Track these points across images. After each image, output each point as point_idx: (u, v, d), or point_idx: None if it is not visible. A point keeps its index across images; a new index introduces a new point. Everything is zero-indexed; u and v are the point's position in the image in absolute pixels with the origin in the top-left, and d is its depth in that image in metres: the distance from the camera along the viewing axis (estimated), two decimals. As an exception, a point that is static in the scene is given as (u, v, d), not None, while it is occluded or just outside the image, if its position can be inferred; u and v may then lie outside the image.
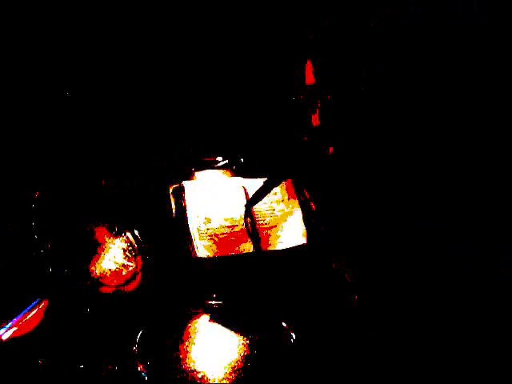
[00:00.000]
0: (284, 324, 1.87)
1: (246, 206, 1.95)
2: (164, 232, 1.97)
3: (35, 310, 1.70)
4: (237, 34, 2.19)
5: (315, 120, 1.91)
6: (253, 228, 2.03)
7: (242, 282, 1.97)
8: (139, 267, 1.87)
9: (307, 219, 1.93)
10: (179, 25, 2.15)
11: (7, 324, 1.68)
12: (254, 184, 2.10)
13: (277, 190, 2.11)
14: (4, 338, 1.68)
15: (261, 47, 2.19)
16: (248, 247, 2.03)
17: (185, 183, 2.07)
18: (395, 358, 1.82)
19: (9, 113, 1.98)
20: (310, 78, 1.97)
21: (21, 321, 1.69)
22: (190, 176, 2.08)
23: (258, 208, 2.08)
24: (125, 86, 2.16)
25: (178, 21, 2.15)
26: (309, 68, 1.97)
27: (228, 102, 2.20)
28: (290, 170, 1.90)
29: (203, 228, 2.02)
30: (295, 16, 2.13)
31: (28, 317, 1.69)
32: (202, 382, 1.79)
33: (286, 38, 2.15)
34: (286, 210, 2.14)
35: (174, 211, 2.01)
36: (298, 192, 2.04)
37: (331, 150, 1.88)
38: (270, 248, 2.05)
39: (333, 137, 1.96)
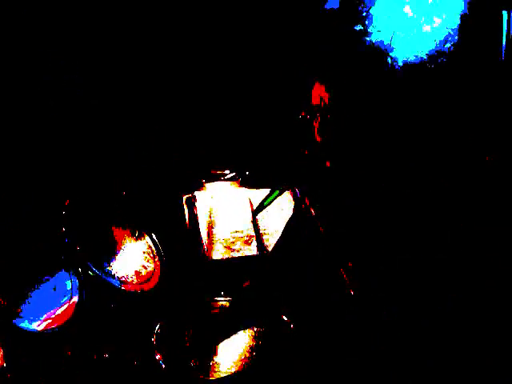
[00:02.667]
0: (285, 317, 2.09)
1: (254, 213, 2.19)
2: (178, 237, 2.20)
3: (66, 305, 1.93)
4: (249, 52, 2.38)
5: (317, 136, 2.12)
6: (257, 233, 2.27)
7: (248, 281, 2.20)
8: (157, 268, 2.10)
9: (307, 224, 2.15)
10: (192, 40, 2.32)
11: (41, 317, 1.91)
12: (259, 194, 2.34)
13: (278, 199, 2.35)
14: (38, 329, 1.91)
15: (271, 68, 2.38)
16: (252, 250, 2.26)
17: (196, 193, 2.31)
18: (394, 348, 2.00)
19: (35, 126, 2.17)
20: (316, 99, 2.19)
21: (53, 314, 1.92)
22: (200, 187, 2.32)
23: (261, 215, 2.32)
24: (141, 103, 2.39)
25: (190, 36, 2.31)
26: (316, 89, 2.19)
27: (236, 120, 2.44)
28: (291, 181, 2.13)
29: (213, 233, 2.25)
30: (306, 41, 2.30)
31: (59, 311, 1.93)
32: (214, 369, 2.00)
33: (295, 61, 2.34)
34: (284, 217, 2.38)
35: (186, 218, 2.24)
36: (297, 201, 2.27)
37: (328, 163, 2.09)
38: (272, 251, 2.28)
39: (331, 151, 2.17)
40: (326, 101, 2.17)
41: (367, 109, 2.22)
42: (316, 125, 2.20)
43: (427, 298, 2.08)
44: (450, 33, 2.22)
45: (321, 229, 1.95)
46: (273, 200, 2.21)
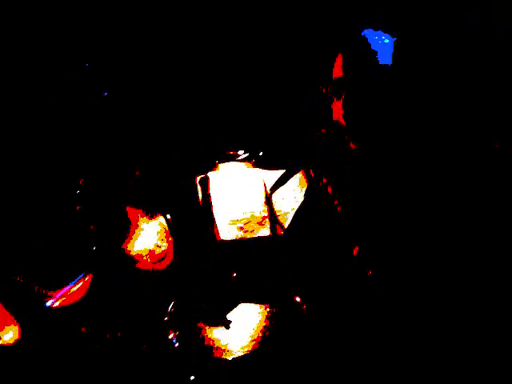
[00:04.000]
0: (297, 299, 2.09)
1: (269, 193, 2.18)
2: (191, 217, 2.20)
3: (81, 283, 1.95)
4: (266, 25, 2.34)
5: (338, 113, 2.09)
6: (271, 214, 2.26)
7: (260, 262, 2.19)
8: (170, 247, 2.11)
9: (322, 205, 2.14)
10: (208, 13, 2.29)
11: (57, 294, 1.92)
12: (272, 175, 2.32)
13: (291, 179, 2.33)
14: (53, 306, 1.93)
15: (289, 40, 2.34)
16: (266, 231, 2.26)
17: (210, 174, 2.30)
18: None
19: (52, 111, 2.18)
20: (338, 72, 2.13)
21: (68, 292, 1.93)
22: (214, 167, 2.31)
23: (275, 196, 2.31)
24: (157, 78, 2.38)
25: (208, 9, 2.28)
26: (338, 62, 2.14)
27: (250, 98, 2.41)
28: (306, 161, 2.10)
29: (226, 214, 2.25)
30: (327, 12, 2.24)
31: (75, 288, 1.94)
32: (226, 348, 2.01)
33: (317, 31, 2.28)
34: (299, 198, 2.36)
35: (200, 199, 2.24)
36: (312, 181, 2.25)
37: (352, 145, 2.04)
38: (285, 232, 2.27)
39: (355, 131, 2.11)
40: (349, 76, 2.11)
41: (396, 85, 2.15)
42: (337, 102, 2.15)
43: (428, 294, 2.05)
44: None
45: (338, 208, 1.93)
46: (286, 180, 2.20)
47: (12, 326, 1.89)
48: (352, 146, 2.05)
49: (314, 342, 2.00)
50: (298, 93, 2.38)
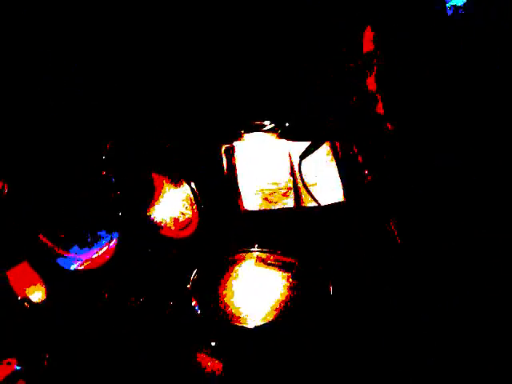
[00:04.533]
0: (321, 270, 2.09)
1: (294, 164, 2.17)
2: (216, 186, 2.21)
3: (106, 247, 1.98)
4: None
5: (370, 85, 2.04)
6: (295, 185, 2.25)
7: (284, 234, 2.20)
8: (195, 216, 2.12)
9: (351, 177, 2.11)
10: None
11: (83, 257, 1.96)
12: (298, 146, 2.31)
13: (316, 151, 2.31)
14: (79, 269, 1.97)
15: (320, 11, 2.28)
16: (289, 203, 2.25)
17: (235, 144, 2.30)
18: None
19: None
20: (368, 44, 2.08)
21: (94, 255, 1.97)
22: (239, 137, 2.30)
23: (300, 167, 2.29)
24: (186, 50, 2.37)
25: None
26: (368, 34, 2.09)
27: (277, 68, 2.39)
28: (334, 132, 2.08)
29: (250, 184, 2.25)
30: None
31: (100, 252, 1.98)
32: (248, 317, 2.03)
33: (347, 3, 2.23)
34: (325, 170, 2.35)
35: (225, 168, 2.24)
36: (338, 153, 2.23)
37: (380, 110, 2.00)
38: (310, 204, 2.27)
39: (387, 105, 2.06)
40: (380, 48, 2.05)
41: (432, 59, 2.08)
42: (369, 75, 2.11)
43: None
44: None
45: (369, 178, 1.90)
46: (313, 151, 2.18)
47: (39, 286, 1.94)
48: (381, 112, 2.01)
49: (335, 320, 2.00)
50: (326, 65, 2.35)
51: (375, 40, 2.17)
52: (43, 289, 1.94)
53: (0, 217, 1.83)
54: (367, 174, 1.97)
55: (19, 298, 1.81)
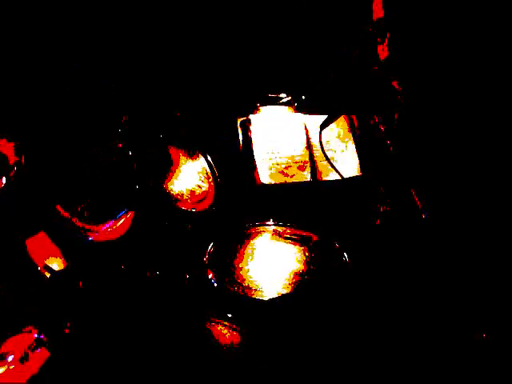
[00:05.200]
0: (337, 245, 2.09)
1: (310, 138, 2.15)
2: (232, 159, 2.20)
3: (123, 219, 1.98)
4: None
5: (383, 53, 2.01)
6: (311, 159, 2.23)
7: (300, 207, 2.19)
8: (211, 189, 2.11)
9: (369, 150, 2.09)
10: None
11: (100, 229, 1.97)
12: (314, 120, 2.28)
13: (333, 125, 2.29)
14: (96, 240, 1.97)
15: None
16: (306, 176, 2.24)
17: (251, 116, 2.27)
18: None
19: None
20: (378, 11, 2.04)
21: (111, 227, 1.97)
22: (255, 110, 2.28)
23: (315, 141, 2.27)
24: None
25: None
26: (378, 0, 2.04)
27: (292, 41, 2.35)
28: (350, 105, 2.06)
29: (266, 157, 2.24)
30: None
31: (117, 224, 1.98)
32: (264, 290, 2.03)
33: None
34: (342, 144, 2.33)
35: (241, 141, 2.22)
36: (354, 126, 2.21)
37: (395, 84, 1.95)
38: (326, 178, 2.25)
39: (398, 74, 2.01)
40: (390, 15, 2.01)
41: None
42: (381, 43, 2.07)
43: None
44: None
45: (390, 148, 1.88)
46: (328, 124, 2.15)
47: (58, 258, 1.95)
48: (397, 86, 1.98)
49: (352, 295, 1.99)
50: (340, 35, 2.31)
51: (385, 5, 2.11)
52: (61, 259, 1.95)
53: (18, 189, 1.83)
54: (388, 145, 1.94)
55: (38, 268, 1.82)
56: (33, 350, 1.59)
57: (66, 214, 1.90)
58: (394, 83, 2.00)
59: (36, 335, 1.63)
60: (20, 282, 1.77)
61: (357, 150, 2.25)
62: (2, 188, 1.83)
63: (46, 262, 1.89)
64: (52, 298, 1.79)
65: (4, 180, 1.84)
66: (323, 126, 2.13)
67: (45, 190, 1.90)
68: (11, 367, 1.53)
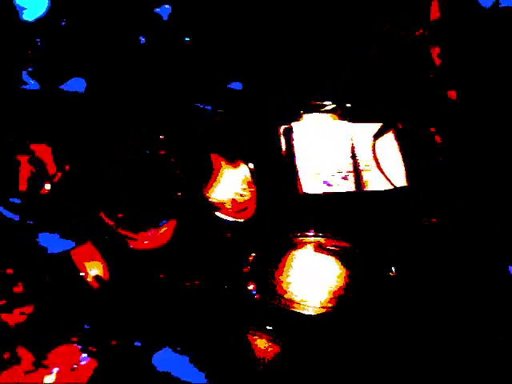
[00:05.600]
0: (383, 259, 2.02)
1: (355, 147, 2.08)
2: (275, 168, 2.15)
3: (165, 228, 1.97)
4: None
5: (438, 59, 1.92)
6: (355, 169, 2.17)
7: (344, 218, 2.13)
8: (253, 198, 2.08)
9: (417, 161, 2.02)
10: None
11: (141, 237, 1.95)
12: (360, 128, 2.22)
13: (379, 134, 2.22)
14: (137, 248, 1.96)
15: None
16: (350, 186, 2.18)
17: (294, 124, 2.23)
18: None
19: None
20: (435, 13, 1.93)
21: (152, 235, 1.96)
22: (298, 118, 2.23)
23: (360, 151, 2.21)
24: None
25: None
26: (435, 2, 1.94)
27: (338, 46, 2.29)
28: (401, 113, 1.98)
29: (309, 166, 2.18)
30: None
31: (159, 233, 1.96)
32: (304, 303, 1.98)
33: None
34: (387, 153, 2.26)
35: (283, 149, 2.18)
36: (401, 135, 2.14)
37: (453, 94, 1.86)
38: (371, 188, 2.19)
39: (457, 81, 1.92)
40: (448, 17, 1.92)
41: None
42: (436, 47, 1.98)
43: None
44: None
45: (440, 158, 1.79)
46: (375, 134, 2.09)
47: (98, 263, 1.95)
48: (454, 97, 1.89)
49: (395, 312, 1.93)
50: (390, 38, 2.23)
51: (441, 8, 2.02)
52: (103, 267, 1.95)
53: (61, 195, 1.84)
54: (440, 158, 1.86)
55: (83, 276, 1.81)
56: (81, 361, 1.59)
57: (110, 222, 1.89)
58: (451, 92, 1.91)
59: (82, 345, 1.62)
60: (66, 292, 1.77)
61: (403, 160, 2.17)
62: (46, 195, 1.84)
63: (91, 271, 1.89)
64: (99, 308, 1.78)
65: (48, 186, 1.85)
66: (364, 139, 2.06)
67: (88, 196, 1.90)
68: (59, 377, 1.52)
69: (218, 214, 2.06)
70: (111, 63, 2.04)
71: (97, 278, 1.88)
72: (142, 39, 2.10)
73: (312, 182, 2.18)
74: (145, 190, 1.97)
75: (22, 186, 1.70)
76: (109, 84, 2.04)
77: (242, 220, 2.05)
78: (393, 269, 2.00)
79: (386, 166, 2.24)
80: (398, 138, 2.27)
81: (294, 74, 2.30)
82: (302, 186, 2.16)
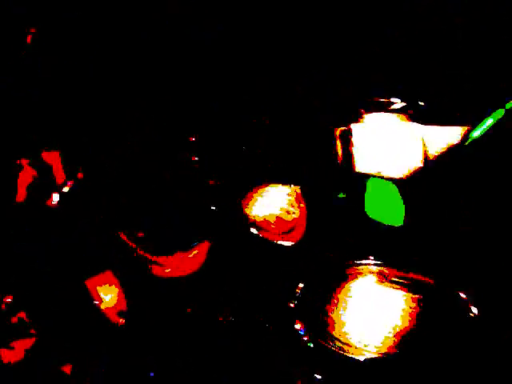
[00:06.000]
0: (462, 295, 1.64)
1: (429, 155, 1.71)
2: (329, 178, 1.78)
3: (196, 251, 1.62)
4: None
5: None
6: (429, 180, 1.78)
7: (413, 244, 1.75)
8: (303, 216, 1.71)
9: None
10: None
11: (167, 261, 1.62)
12: (436, 133, 1.82)
13: (460, 139, 1.82)
14: (161, 274, 1.63)
15: None
16: (421, 200, 1.79)
17: (353, 126, 1.85)
18: None
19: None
20: None
21: (181, 260, 1.62)
22: (359, 118, 1.85)
23: (437, 160, 1.82)
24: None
25: None
26: None
27: (409, 33, 1.90)
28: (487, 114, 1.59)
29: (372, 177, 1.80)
30: None
31: (189, 256, 1.62)
32: (362, 346, 1.64)
33: None
34: (465, 165, 1.86)
35: (339, 157, 1.80)
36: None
37: None
38: (446, 206, 1.79)
39: None
40: None
41: None
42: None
43: None
44: None
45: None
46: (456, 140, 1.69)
47: (116, 290, 1.63)
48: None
49: (476, 360, 1.56)
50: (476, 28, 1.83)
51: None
52: (120, 297, 1.63)
53: (72, 208, 1.52)
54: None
55: (98, 307, 1.50)
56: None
57: (130, 243, 1.56)
58: None
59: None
60: (78, 325, 1.46)
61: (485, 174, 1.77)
62: (53, 207, 1.52)
63: (107, 300, 1.57)
64: (116, 345, 1.47)
65: (56, 197, 1.53)
66: (441, 145, 1.66)
67: (104, 210, 1.57)
68: None
69: (258, 234, 1.70)
70: (140, 65, 1.72)
71: (113, 309, 1.56)
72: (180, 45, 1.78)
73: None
74: (172, 203, 1.62)
75: (20, 196, 1.38)
76: (136, 83, 1.72)
77: (288, 243, 1.69)
78: (475, 310, 1.62)
79: (467, 175, 1.84)
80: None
81: (351, 65, 1.92)
82: (362, 202, 1.78)
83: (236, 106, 1.86)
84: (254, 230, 1.67)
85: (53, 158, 1.49)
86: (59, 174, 1.49)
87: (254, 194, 1.74)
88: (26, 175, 1.39)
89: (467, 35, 1.85)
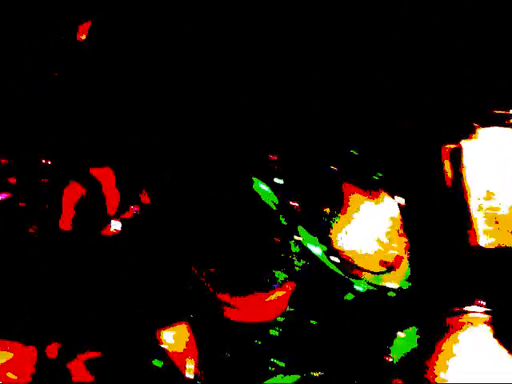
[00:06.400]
0: None
1: None
2: (434, 206, 1.48)
3: (277, 293, 1.36)
4: None
5: None
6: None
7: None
8: (404, 251, 1.42)
9: None
10: None
11: (241, 303, 1.36)
12: None
13: None
14: (233, 318, 1.37)
15: None
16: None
17: (464, 143, 1.53)
18: None
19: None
20: None
21: (259, 301, 1.36)
22: (471, 134, 1.54)
23: None
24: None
25: None
26: None
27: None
28: None
29: (488, 206, 1.49)
30: None
31: (270, 298, 1.36)
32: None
33: None
34: None
35: (449, 179, 1.49)
36: None
37: None
38: None
39: None
40: None
41: None
42: None
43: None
44: None
45: None
46: None
47: (180, 325, 1.39)
48: None
49: None
50: None
51: None
52: (184, 327, 1.39)
53: (135, 239, 1.27)
54: None
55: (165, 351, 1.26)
56: None
57: (202, 279, 1.31)
58: None
59: None
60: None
61: None
62: (113, 237, 1.29)
63: (171, 342, 1.33)
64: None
65: (117, 225, 1.30)
66: None
67: (175, 241, 1.33)
68: None
69: (348, 271, 1.42)
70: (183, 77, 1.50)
71: (183, 355, 1.32)
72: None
73: (490, 228, 1.48)
74: (249, 233, 1.36)
75: (66, 223, 1.12)
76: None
77: (386, 284, 1.41)
78: None
79: None
80: None
81: (461, 69, 1.60)
82: (476, 235, 1.47)
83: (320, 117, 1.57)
84: (344, 268, 1.39)
85: (107, 178, 1.24)
86: (114, 198, 1.24)
87: (343, 223, 1.45)
88: (71, 197, 1.14)
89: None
